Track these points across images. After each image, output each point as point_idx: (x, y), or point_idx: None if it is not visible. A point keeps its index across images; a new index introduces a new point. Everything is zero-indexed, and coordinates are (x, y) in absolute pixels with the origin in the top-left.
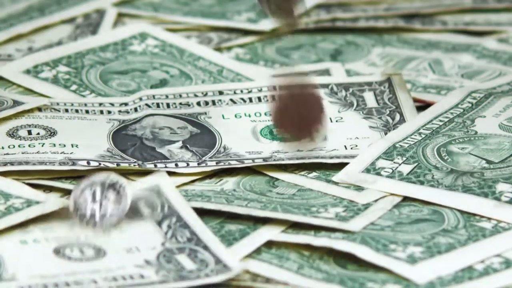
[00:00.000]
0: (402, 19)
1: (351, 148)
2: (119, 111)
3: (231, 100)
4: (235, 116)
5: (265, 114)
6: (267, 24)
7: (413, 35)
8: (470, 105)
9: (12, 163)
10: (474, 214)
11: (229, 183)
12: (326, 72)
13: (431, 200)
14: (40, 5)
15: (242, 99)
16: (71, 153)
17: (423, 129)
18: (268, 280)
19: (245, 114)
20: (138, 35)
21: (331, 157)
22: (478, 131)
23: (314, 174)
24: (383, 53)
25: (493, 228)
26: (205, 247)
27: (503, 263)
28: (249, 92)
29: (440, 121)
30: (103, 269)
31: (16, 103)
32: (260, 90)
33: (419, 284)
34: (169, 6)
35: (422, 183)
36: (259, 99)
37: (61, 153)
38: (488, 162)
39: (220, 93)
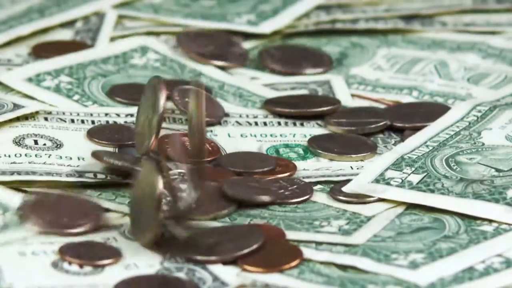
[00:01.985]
0: (402, 20)
1: (357, 168)
2: (125, 122)
3: (237, 122)
4: (241, 135)
5: (271, 135)
6: (267, 26)
7: (418, 34)
8: (475, 118)
9: (19, 173)
10: (476, 219)
11: None
12: (327, 84)
13: (442, 207)
14: (40, 7)
15: (248, 122)
16: (77, 166)
17: (430, 142)
18: (267, 285)
19: (251, 134)
20: (138, 48)
21: (337, 176)
22: (485, 143)
23: (318, 186)
24: (389, 54)
25: (494, 231)
26: (204, 267)
27: (504, 262)
28: (255, 117)
29: (447, 134)
30: (101, 283)
31: (16, 106)
32: (266, 117)
33: (421, 286)
34: (170, 7)
35: (432, 191)
36: (265, 123)
37: (67, 165)
38: (498, 170)
39: (226, 115)
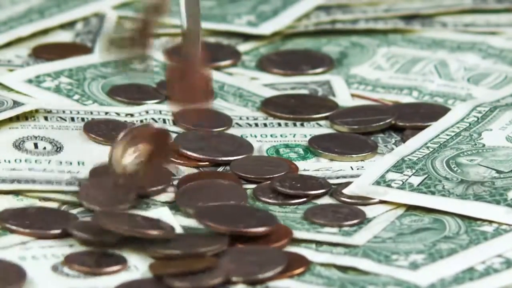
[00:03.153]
0: (402, 20)
1: (357, 169)
2: (125, 121)
3: (237, 124)
4: (241, 136)
5: (271, 135)
6: (267, 28)
7: (418, 33)
8: (475, 119)
9: (19, 181)
10: (476, 219)
11: None
12: (327, 84)
13: (443, 209)
14: (40, 7)
15: (248, 123)
16: (77, 172)
17: (431, 143)
18: (267, 287)
19: (251, 135)
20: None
21: (338, 177)
22: (485, 144)
23: None
24: (389, 53)
25: (495, 231)
26: None
27: (504, 263)
28: (255, 119)
29: (447, 135)
30: (101, 286)
31: (16, 103)
32: (266, 118)
33: (421, 287)
34: (170, 8)
35: (433, 193)
36: (265, 124)
37: (67, 172)
38: (498, 172)
39: (229, 120)
